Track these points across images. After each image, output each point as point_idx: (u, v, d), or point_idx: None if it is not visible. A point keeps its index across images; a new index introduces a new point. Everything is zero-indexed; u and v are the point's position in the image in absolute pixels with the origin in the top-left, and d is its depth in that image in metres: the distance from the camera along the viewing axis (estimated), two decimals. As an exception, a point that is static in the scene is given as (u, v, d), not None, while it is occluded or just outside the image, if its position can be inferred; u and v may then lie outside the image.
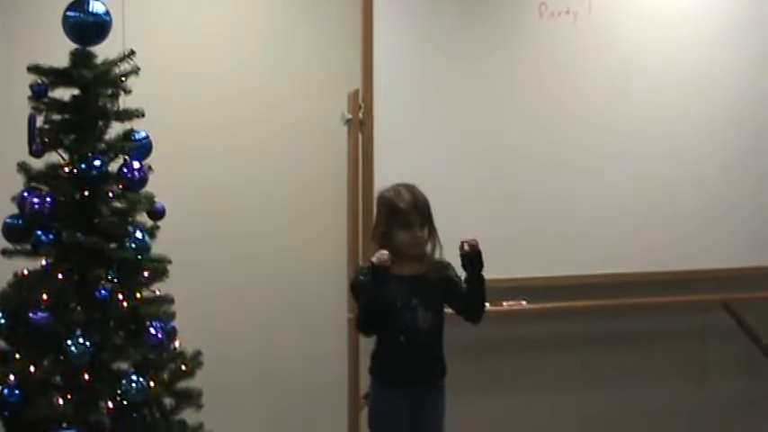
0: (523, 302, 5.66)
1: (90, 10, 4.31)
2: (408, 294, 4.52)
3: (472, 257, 4.51)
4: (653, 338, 6.30)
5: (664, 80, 5.84)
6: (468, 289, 4.57)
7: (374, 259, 4.37)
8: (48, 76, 4.32)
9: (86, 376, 4.18)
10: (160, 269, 4.51)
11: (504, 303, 5.61)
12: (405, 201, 4.49)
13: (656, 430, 6.34)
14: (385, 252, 4.37)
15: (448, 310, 4.68)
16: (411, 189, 4.54)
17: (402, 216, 4.48)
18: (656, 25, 5.82)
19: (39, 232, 4.25)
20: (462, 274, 4.59)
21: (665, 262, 5.85)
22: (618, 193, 5.78)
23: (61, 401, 4.15)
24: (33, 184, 4.34)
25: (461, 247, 4.52)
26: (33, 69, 4.32)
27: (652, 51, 5.82)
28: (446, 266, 4.64)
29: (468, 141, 5.56)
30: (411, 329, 4.51)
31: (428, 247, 4.58)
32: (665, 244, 5.85)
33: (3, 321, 4.31)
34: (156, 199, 4.52)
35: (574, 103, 5.72)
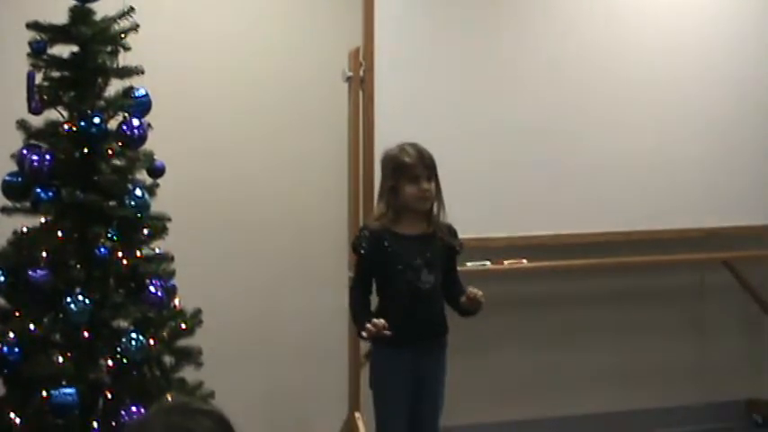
0: (524, 261, 5.67)
1: (89, -34, 4.29)
2: (413, 254, 4.50)
3: (471, 310, 4.54)
4: (652, 296, 6.31)
5: (663, 47, 5.85)
6: (459, 307, 4.59)
7: (370, 330, 4.35)
8: (47, 33, 4.31)
9: (86, 334, 4.19)
10: (160, 227, 4.50)
11: (505, 262, 5.62)
12: (410, 155, 4.48)
13: (656, 388, 6.36)
14: (380, 323, 4.34)
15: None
16: (415, 145, 4.53)
17: (408, 169, 4.47)
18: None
19: (38, 190, 4.24)
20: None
21: (667, 220, 5.85)
22: (617, 151, 5.80)
23: (61, 359, 4.15)
24: (33, 141, 4.34)
25: (467, 296, 4.51)
26: (32, 26, 4.30)
27: (655, 21, 5.83)
28: (452, 233, 4.63)
29: (469, 101, 5.55)
30: (414, 289, 4.51)
31: (435, 205, 4.57)
32: (666, 202, 5.87)
33: (2, 279, 4.32)
34: (155, 157, 4.50)
35: (572, 65, 5.72)
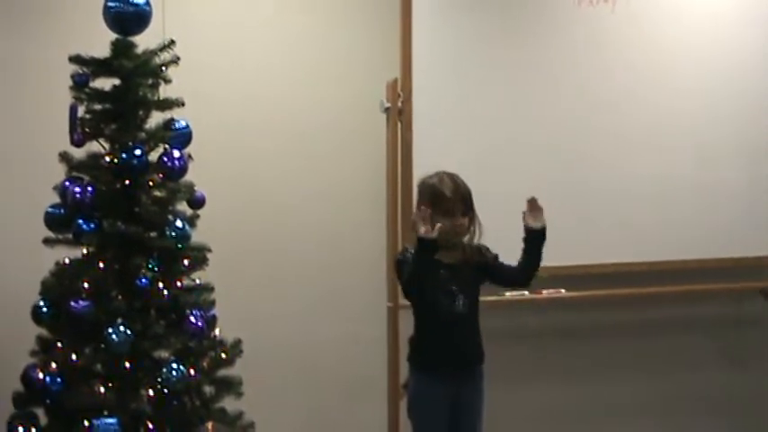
0: (562, 291, 5.66)
1: (131, 0, 4.33)
2: (448, 281, 4.52)
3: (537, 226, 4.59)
4: (691, 326, 6.27)
5: (697, 72, 5.83)
6: (526, 247, 4.61)
7: (420, 231, 4.32)
8: (89, 66, 4.36)
9: (127, 364, 4.21)
10: (200, 257, 4.53)
11: (543, 292, 5.61)
12: (449, 188, 4.49)
13: (692, 420, 6.31)
14: (426, 212, 4.32)
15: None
16: (454, 178, 4.54)
17: (445, 203, 4.47)
18: (693, 17, 5.82)
19: (80, 221, 4.27)
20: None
21: (702, 249, 5.83)
22: (654, 181, 5.78)
23: (102, 389, 4.17)
24: (75, 173, 4.38)
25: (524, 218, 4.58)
26: (75, 59, 4.35)
27: (688, 43, 5.81)
28: (482, 252, 4.64)
29: (506, 130, 5.56)
30: (450, 314, 4.51)
31: (467, 237, 4.58)
32: (702, 230, 5.83)
33: (45, 310, 4.36)
34: (195, 188, 4.54)
35: (610, 93, 5.71)
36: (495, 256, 4.69)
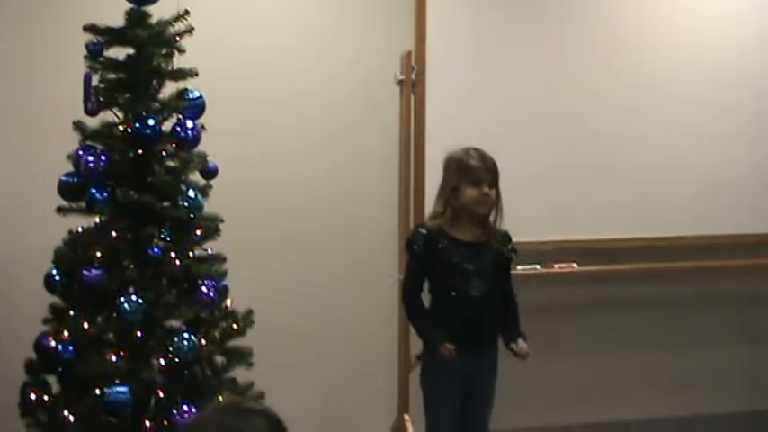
0: (574, 265, 5.66)
1: (145, -30, 4.34)
2: (465, 260, 4.52)
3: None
4: (704, 302, 6.26)
5: (721, 47, 5.81)
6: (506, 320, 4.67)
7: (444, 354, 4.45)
8: (103, 36, 4.36)
9: (139, 333, 4.22)
10: (212, 228, 4.53)
11: (556, 266, 5.61)
12: (475, 159, 4.51)
13: (705, 394, 6.32)
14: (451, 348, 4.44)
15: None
16: (480, 151, 4.55)
17: (473, 172, 4.48)
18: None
19: (93, 190, 4.28)
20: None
21: (720, 224, 5.83)
22: (672, 156, 5.76)
23: (114, 358, 4.19)
24: (88, 142, 4.38)
25: (514, 349, 4.61)
26: (89, 29, 4.35)
27: (712, 23, 5.79)
28: (506, 241, 4.65)
29: (520, 104, 5.54)
30: (465, 295, 4.52)
31: (492, 214, 4.58)
32: (719, 205, 5.83)
33: (58, 278, 4.38)
34: (208, 158, 4.54)
35: (629, 70, 5.69)
36: (512, 257, 4.72)
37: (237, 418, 2.23)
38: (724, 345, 6.35)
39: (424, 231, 4.57)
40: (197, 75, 4.45)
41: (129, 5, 4.37)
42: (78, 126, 4.39)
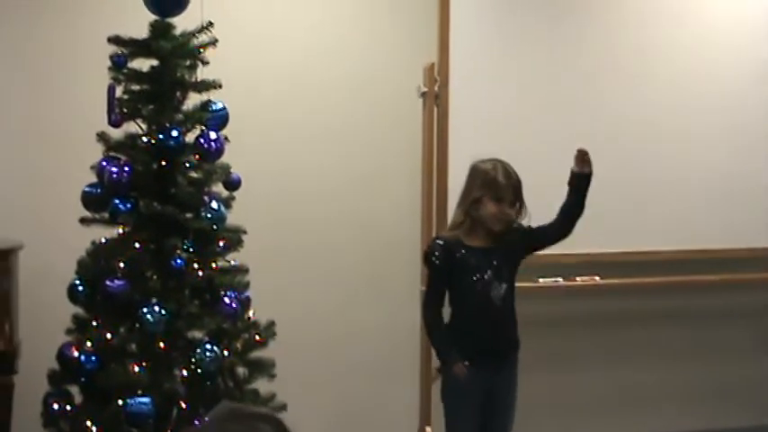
0: (596, 278, 5.65)
1: (169, -18, 4.35)
2: (483, 266, 4.51)
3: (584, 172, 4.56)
4: (725, 315, 6.24)
5: (741, 57, 5.80)
6: (571, 190, 4.58)
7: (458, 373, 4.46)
8: (127, 47, 4.38)
9: (161, 344, 4.24)
10: (235, 239, 4.55)
11: (578, 279, 5.60)
12: (503, 174, 4.47)
13: (728, 407, 6.29)
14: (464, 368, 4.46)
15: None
16: (507, 166, 4.51)
17: (496, 188, 4.45)
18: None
19: (116, 201, 4.29)
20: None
21: (740, 238, 5.80)
22: (692, 167, 5.75)
23: (136, 369, 4.20)
24: (112, 153, 4.40)
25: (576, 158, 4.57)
26: (113, 40, 4.37)
27: (729, 33, 5.77)
28: (513, 230, 4.62)
29: (544, 115, 5.53)
30: (485, 301, 4.51)
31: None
32: (739, 219, 5.80)
33: (81, 289, 4.39)
34: (231, 170, 4.55)
35: (655, 81, 5.68)
36: (528, 228, 4.63)
37: (243, 424, 2.22)
38: (747, 358, 6.32)
39: (441, 242, 4.56)
40: (221, 86, 4.47)
41: (153, 17, 4.38)
42: (102, 137, 4.40)
